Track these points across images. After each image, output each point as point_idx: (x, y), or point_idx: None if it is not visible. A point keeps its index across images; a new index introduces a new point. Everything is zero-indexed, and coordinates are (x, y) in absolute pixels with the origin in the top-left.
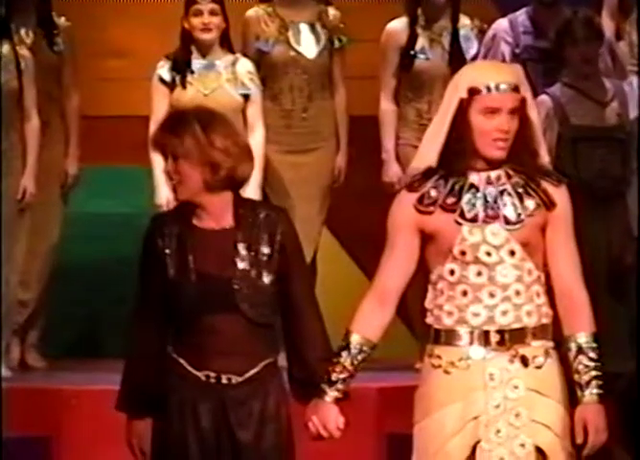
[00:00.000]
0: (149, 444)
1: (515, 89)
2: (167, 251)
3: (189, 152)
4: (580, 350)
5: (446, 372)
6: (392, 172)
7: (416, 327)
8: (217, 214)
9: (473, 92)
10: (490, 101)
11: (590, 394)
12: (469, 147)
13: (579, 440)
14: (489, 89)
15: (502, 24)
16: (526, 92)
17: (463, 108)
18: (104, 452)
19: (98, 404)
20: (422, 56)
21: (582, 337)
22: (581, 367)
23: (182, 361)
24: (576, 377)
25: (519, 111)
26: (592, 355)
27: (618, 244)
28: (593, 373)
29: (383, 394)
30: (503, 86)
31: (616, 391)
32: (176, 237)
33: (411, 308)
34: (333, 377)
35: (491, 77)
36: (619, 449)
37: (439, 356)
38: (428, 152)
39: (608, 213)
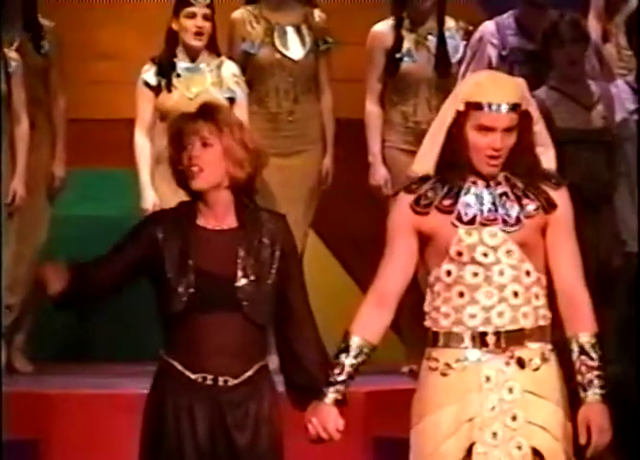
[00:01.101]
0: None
1: (514, 108)
2: (163, 240)
3: (223, 140)
4: (582, 350)
5: (443, 374)
6: (379, 175)
7: (403, 331)
8: (221, 214)
9: (470, 107)
10: (485, 120)
11: (593, 394)
12: (464, 160)
13: (582, 440)
14: (485, 107)
15: (489, 26)
16: (529, 106)
17: (459, 121)
18: (92, 456)
19: (85, 408)
20: (407, 58)
21: (585, 337)
22: (583, 368)
23: (176, 364)
24: (578, 377)
25: (518, 126)
26: (594, 355)
27: (605, 247)
28: (596, 373)
29: (371, 398)
30: (500, 106)
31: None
32: (178, 234)
33: (398, 312)
34: (333, 379)
35: (490, 95)
36: (607, 452)
37: (436, 359)
38: (426, 160)
39: (596, 216)
